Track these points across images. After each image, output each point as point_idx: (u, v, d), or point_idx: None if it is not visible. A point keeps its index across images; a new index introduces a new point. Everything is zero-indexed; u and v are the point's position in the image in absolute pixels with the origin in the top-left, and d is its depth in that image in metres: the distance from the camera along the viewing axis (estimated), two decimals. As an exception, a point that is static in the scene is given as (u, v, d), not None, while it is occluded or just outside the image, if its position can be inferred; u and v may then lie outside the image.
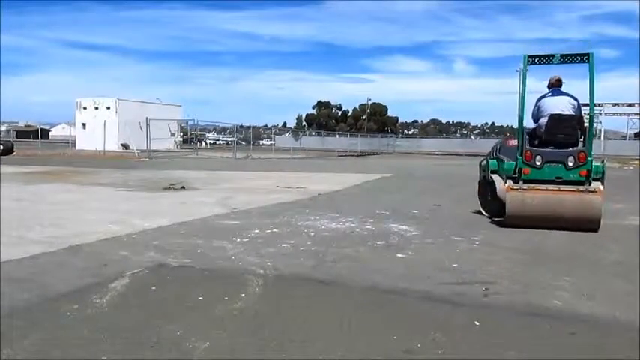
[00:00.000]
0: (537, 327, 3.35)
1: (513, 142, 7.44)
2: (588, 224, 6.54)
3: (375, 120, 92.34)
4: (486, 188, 7.77)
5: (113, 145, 37.88)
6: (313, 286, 4.22)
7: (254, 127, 57.27)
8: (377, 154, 49.18)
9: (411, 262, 5.12)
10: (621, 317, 3.56)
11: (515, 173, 6.88)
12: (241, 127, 56.03)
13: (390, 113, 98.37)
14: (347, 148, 47.76)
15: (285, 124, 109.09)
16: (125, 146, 38.99)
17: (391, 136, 67.34)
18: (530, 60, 7.09)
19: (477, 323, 3.38)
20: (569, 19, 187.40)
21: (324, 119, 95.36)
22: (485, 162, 7.97)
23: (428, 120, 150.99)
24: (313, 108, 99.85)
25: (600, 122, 71.43)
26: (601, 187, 6.68)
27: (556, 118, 6.85)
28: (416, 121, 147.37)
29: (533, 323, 3.42)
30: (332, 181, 15.18)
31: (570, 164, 6.69)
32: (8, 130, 69.17)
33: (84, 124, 43.82)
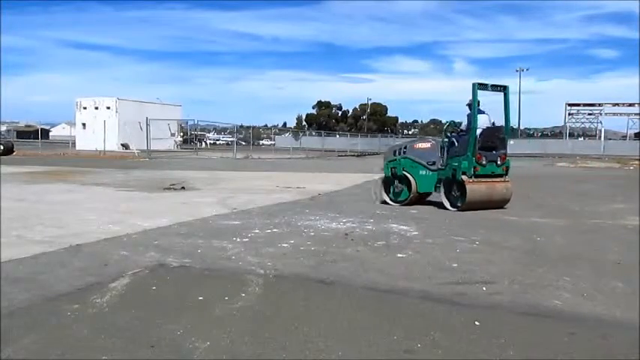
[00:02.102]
0: (537, 327, 3.36)
1: (419, 145, 9.65)
2: (504, 203, 9.12)
3: (375, 120, 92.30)
4: (392, 181, 9.60)
5: (113, 145, 37.82)
6: (313, 286, 4.22)
7: (254, 127, 57.32)
8: (377, 154, 49.14)
9: (411, 262, 5.12)
10: (621, 317, 3.56)
11: (470, 170, 8.75)
12: (241, 127, 55.98)
13: (390, 113, 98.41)
14: (347, 148, 47.73)
15: (285, 124, 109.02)
16: (125, 146, 38.96)
17: (391, 136, 67.26)
18: (478, 86, 9.08)
19: (477, 323, 3.38)
20: (569, 19, 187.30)
21: (324, 119, 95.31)
22: (393, 160, 9.68)
23: (428, 120, 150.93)
24: (313, 108, 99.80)
25: (600, 122, 71.54)
26: (509, 178, 9.35)
27: (490, 130, 9.18)
28: (416, 121, 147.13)
29: (533, 323, 3.42)
30: (332, 181, 15.18)
31: (499, 162, 9.07)
32: (8, 130, 69.18)
33: (84, 124, 43.74)
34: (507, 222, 7.71)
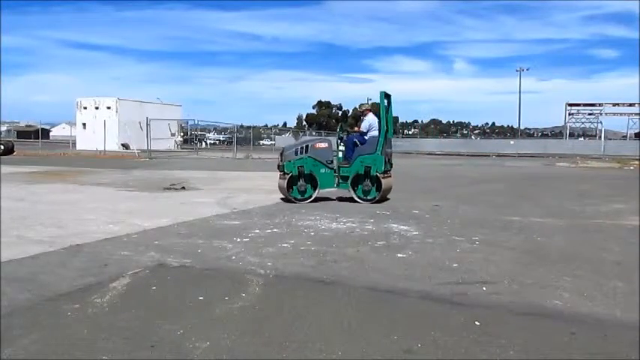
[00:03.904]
0: (537, 327, 3.36)
1: (319, 145, 10.19)
2: (389, 193, 10.32)
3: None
4: (296, 180, 9.87)
5: (113, 145, 37.80)
6: (313, 286, 4.22)
7: (254, 127, 57.26)
8: (377, 154, 49.15)
9: (411, 262, 5.12)
10: (621, 317, 3.56)
11: (381, 167, 9.86)
12: (241, 127, 55.94)
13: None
14: (347, 148, 47.62)
15: (285, 124, 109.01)
16: (125, 146, 38.94)
17: (391, 136, 67.17)
18: (384, 94, 10.09)
19: (477, 323, 3.38)
20: (569, 19, 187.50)
21: (324, 119, 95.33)
22: (300, 159, 9.91)
23: (428, 120, 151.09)
24: (313, 108, 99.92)
25: (600, 122, 71.55)
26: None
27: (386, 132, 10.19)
28: (416, 121, 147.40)
29: (533, 323, 3.42)
30: (332, 181, 15.16)
31: (389, 160, 10.33)
32: (9, 130, 69.17)
33: (84, 124, 43.72)
34: (507, 222, 7.70)
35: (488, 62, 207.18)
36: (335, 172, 10.00)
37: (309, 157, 9.92)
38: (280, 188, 10.05)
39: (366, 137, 10.13)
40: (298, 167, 9.85)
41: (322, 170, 9.92)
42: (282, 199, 9.96)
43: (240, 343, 3.02)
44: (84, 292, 3.93)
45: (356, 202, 9.71)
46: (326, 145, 10.30)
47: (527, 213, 8.66)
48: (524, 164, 30.03)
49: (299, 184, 9.84)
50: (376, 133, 10.14)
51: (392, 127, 10.74)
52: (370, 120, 10.31)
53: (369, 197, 9.79)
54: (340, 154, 10.19)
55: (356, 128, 10.71)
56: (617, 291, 4.20)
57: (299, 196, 9.80)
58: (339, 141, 10.38)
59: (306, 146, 10.11)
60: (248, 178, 16.07)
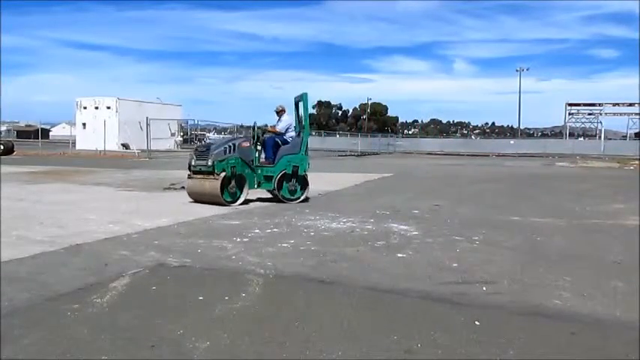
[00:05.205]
0: (537, 327, 3.35)
1: (244, 144, 9.71)
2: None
3: (375, 120, 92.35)
4: (228, 182, 9.21)
5: (113, 145, 37.83)
6: (313, 286, 4.22)
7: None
8: (377, 154, 49.16)
9: (411, 262, 5.12)
10: (621, 317, 3.56)
11: (307, 166, 10.03)
12: (241, 127, 55.91)
13: (390, 113, 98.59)
14: (347, 148, 47.67)
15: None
16: (125, 146, 38.95)
17: (391, 136, 67.17)
18: (306, 96, 10.19)
19: (477, 323, 3.38)
20: (569, 19, 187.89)
21: (324, 119, 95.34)
22: (233, 159, 9.30)
23: (428, 120, 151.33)
24: (313, 108, 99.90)
25: (600, 122, 71.53)
26: None
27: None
28: (416, 121, 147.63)
29: (533, 323, 3.42)
30: (332, 180, 15.16)
31: None
32: (9, 130, 69.20)
33: (84, 124, 43.76)
34: (507, 222, 7.71)
35: (488, 62, 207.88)
36: (254, 172, 9.60)
37: (238, 156, 9.39)
38: (206, 193, 9.20)
39: (285, 138, 10.05)
40: (231, 168, 9.20)
41: (247, 170, 9.49)
42: (190, 201, 9.31)
43: (240, 343, 3.02)
44: (84, 292, 3.93)
45: (282, 202, 9.56)
46: (248, 144, 9.77)
47: (527, 213, 8.66)
48: (524, 164, 30.04)
49: (230, 185, 9.18)
50: (294, 133, 10.19)
51: (307, 130, 10.51)
52: (288, 121, 10.28)
53: (294, 197, 9.77)
54: (257, 154, 9.81)
55: (270, 127, 10.26)
56: (617, 291, 4.20)
57: (229, 199, 9.15)
58: (256, 141, 9.88)
59: (234, 145, 9.52)
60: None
